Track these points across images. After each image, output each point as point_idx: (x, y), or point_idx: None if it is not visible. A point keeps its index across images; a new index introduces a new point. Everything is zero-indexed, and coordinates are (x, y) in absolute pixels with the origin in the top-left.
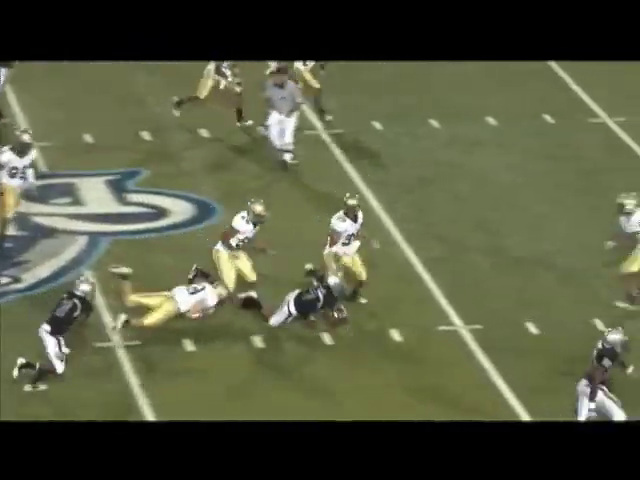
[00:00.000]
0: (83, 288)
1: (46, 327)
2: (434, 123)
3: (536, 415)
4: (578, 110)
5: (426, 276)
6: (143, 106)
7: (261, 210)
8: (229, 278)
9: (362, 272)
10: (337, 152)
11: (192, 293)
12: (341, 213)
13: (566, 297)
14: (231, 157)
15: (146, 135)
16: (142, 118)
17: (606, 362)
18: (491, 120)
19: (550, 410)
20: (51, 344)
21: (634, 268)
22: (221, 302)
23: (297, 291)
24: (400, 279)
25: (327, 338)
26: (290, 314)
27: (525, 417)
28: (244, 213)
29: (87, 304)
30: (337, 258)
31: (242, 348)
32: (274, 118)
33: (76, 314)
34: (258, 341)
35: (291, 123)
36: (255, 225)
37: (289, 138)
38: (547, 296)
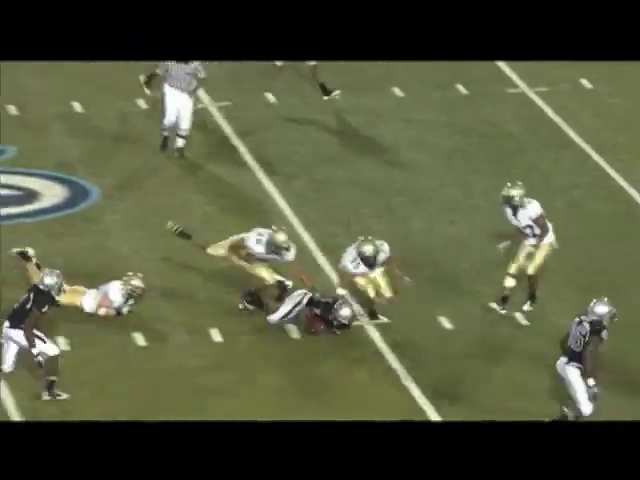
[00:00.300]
0: (47, 281)
1: (6, 323)
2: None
3: (446, 415)
4: (494, 80)
5: (327, 266)
6: (8, 77)
7: (283, 241)
8: (265, 273)
9: (386, 289)
10: (226, 127)
11: (98, 289)
12: (355, 254)
13: (480, 289)
14: (110, 135)
15: (12, 109)
16: (7, 90)
17: (605, 334)
18: (397, 91)
19: (461, 410)
20: (18, 336)
21: (530, 271)
22: (135, 296)
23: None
24: None
25: (215, 334)
26: (299, 303)
27: (435, 417)
28: (262, 231)
29: (44, 297)
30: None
31: (122, 343)
32: (171, 95)
33: (28, 306)
34: (139, 338)
35: (189, 105)
36: (272, 253)
37: (186, 124)
38: (460, 288)
